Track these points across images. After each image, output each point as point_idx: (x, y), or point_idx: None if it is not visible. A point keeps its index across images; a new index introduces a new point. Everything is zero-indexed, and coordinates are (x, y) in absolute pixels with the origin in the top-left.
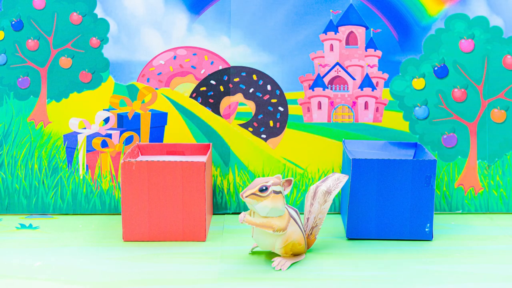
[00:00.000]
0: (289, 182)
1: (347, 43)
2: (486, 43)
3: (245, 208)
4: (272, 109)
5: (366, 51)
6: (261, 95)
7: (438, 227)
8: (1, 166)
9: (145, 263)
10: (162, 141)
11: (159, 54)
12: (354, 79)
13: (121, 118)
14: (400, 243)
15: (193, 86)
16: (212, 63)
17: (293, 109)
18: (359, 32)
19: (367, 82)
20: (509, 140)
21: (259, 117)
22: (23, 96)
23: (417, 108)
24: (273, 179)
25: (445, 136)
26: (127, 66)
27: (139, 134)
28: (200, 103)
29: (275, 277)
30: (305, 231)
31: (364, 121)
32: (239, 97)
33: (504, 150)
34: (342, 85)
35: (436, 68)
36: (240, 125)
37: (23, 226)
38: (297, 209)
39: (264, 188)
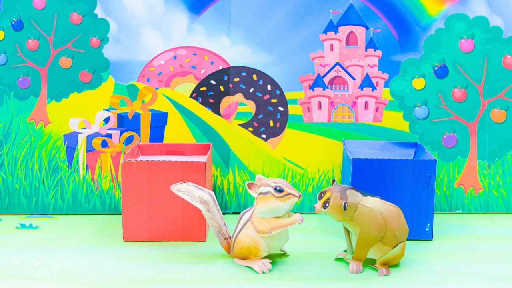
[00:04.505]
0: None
1: (347, 43)
2: (486, 43)
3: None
4: (272, 109)
5: (366, 51)
6: (261, 95)
7: (438, 227)
8: (1, 166)
9: (145, 263)
10: (162, 141)
11: (159, 54)
12: (354, 79)
13: (121, 118)
14: None
15: (193, 86)
16: (212, 63)
17: (293, 109)
18: (359, 32)
19: (367, 82)
20: (509, 140)
21: (259, 117)
22: (23, 96)
23: (417, 108)
24: (262, 181)
25: (445, 136)
26: (127, 66)
27: (139, 134)
28: (200, 103)
29: (275, 277)
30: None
31: (364, 121)
32: (239, 97)
33: (504, 150)
34: (342, 85)
35: (436, 68)
36: (240, 125)
37: (23, 226)
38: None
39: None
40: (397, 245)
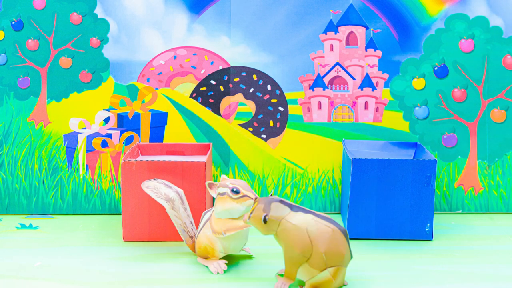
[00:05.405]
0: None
1: (347, 43)
2: (486, 43)
3: None
4: (272, 109)
5: (366, 51)
6: (261, 95)
7: (438, 227)
8: (1, 166)
9: (145, 263)
10: (162, 141)
11: (159, 54)
12: (354, 79)
13: (121, 118)
14: (400, 243)
15: (193, 86)
16: (212, 63)
17: (293, 109)
18: (359, 32)
19: (367, 82)
20: (509, 140)
21: (259, 117)
22: (23, 96)
23: (417, 108)
24: (223, 181)
25: (445, 136)
26: (127, 66)
27: (139, 134)
28: (200, 103)
29: (276, 277)
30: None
31: (364, 121)
32: (239, 97)
33: (504, 150)
34: (342, 85)
35: (436, 68)
36: (240, 125)
37: (23, 226)
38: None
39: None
40: (325, 269)
